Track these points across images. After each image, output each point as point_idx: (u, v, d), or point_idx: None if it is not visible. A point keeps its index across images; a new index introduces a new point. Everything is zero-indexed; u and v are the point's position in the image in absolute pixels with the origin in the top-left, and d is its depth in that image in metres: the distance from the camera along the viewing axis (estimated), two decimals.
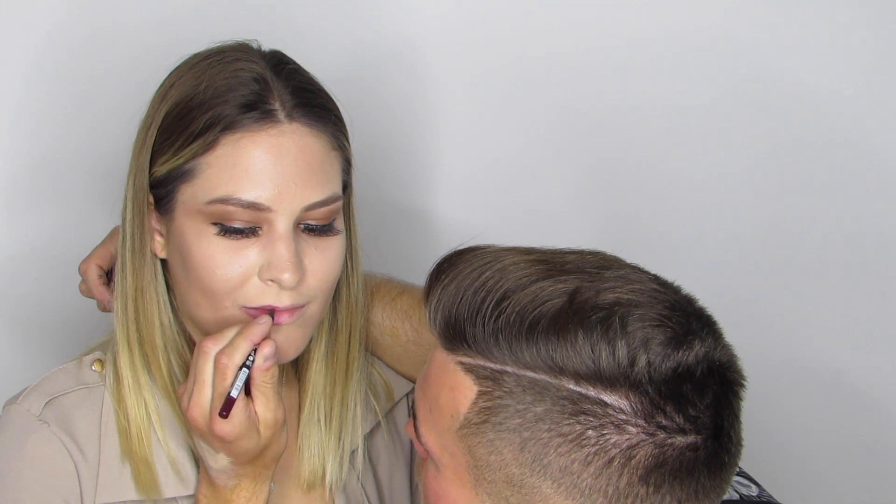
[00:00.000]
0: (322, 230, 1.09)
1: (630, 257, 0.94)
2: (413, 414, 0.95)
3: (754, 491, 1.09)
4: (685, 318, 0.87)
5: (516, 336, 0.85)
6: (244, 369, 1.04)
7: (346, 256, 1.14)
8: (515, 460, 0.86)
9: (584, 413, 0.84)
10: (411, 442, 1.30)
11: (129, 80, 1.32)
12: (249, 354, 1.05)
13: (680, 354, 0.84)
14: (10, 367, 1.47)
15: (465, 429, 0.88)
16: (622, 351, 0.84)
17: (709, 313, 0.90)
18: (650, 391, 0.83)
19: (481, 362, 0.87)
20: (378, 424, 1.24)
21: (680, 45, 1.53)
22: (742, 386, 0.90)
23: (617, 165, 1.58)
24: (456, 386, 0.88)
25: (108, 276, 1.24)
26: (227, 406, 1.04)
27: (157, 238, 1.12)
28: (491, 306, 0.86)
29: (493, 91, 1.53)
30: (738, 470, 1.10)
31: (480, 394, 0.87)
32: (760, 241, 1.59)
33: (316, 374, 1.18)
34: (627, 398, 0.84)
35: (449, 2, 1.51)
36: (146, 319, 1.12)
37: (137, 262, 1.12)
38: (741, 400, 0.89)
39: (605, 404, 0.84)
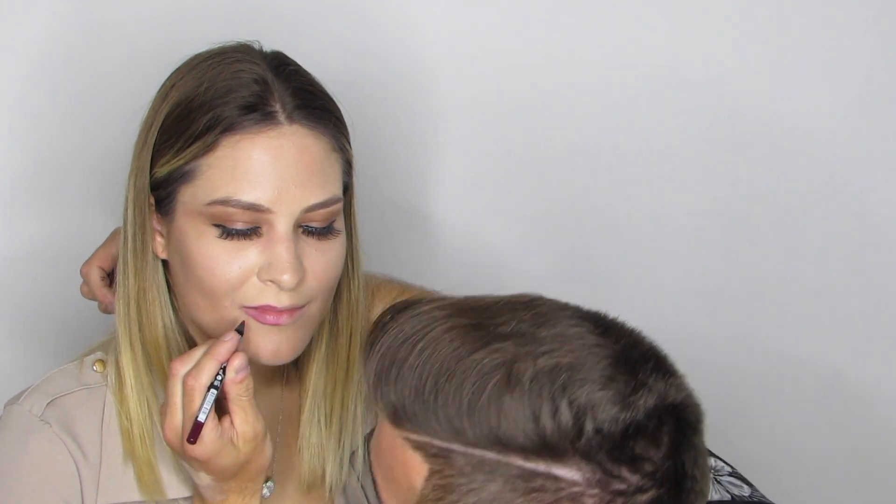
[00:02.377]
0: (322, 232, 1.09)
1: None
2: (372, 477, 0.91)
3: (746, 491, 1.08)
4: (631, 370, 0.82)
5: (456, 414, 0.81)
6: (212, 390, 1.03)
7: (346, 258, 1.14)
8: None
9: (536, 490, 0.80)
10: None
11: (128, 80, 1.32)
12: (217, 373, 1.04)
13: (629, 414, 0.80)
14: (10, 368, 1.47)
15: (423, 503, 0.84)
16: (567, 421, 0.79)
17: (656, 349, 0.86)
18: (601, 458, 0.80)
19: (428, 440, 0.83)
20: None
21: (659, 83, 1.53)
22: (700, 420, 0.86)
23: (616, 165, 1.59)
24: (407, 462, 0.84)
25: (109, 277, 1.24)
26: (195, 431, 1.03)
27: (158, 239, 1.12)
28: (428, 387, 0.82)
29: (494, 93, 1.53)
30: (730, 470, 1.10)
31: (432, 472, 0.83)
32: (760, 241, 1.59)
33: (316, 375, 1.18)
34: (579, 469, 0.80)
35: (451, 4, 1.51)
36: (149, 320, 1.12)
37: (139, 263, 1.12)
38: (702, 434, 0.86)
39: (558, 478, 0.80)
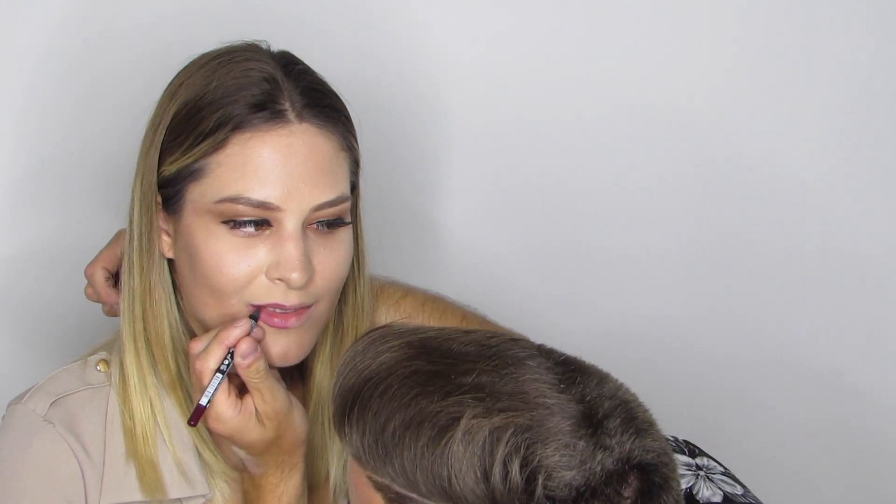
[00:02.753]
0: (331, 224, 1.09)
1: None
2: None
3: (739, 490, 1.08)
4: (592, 431, 0.80)
5: (411, 466, 0.80)
6: (218, 374, 1.04)
7: (352, 259, 1.14)
8: None
9: None
10: None
11: (134, 80, 1.32)
12: (225, 358, 1.05)
13: (584, 478, 0.79)
14: (13, 368, 1.46)
15: None
16: (517, 484, 0.78)
17: (628, 402, 0.84)
18: None
19: (387, 482, 0.83)
20: None
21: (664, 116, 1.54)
22: (672, 478, 0.83)
23: (614, 168, 1.59)
24: (370, 500, 0.85)
25: (114, 278, 1.23)
26: (196, 414, 1.04)
27: (165, 238, 1.11)
28: (386, 433, 0.82)
29: (501, 98, 1.54)
30: (722, 470, 1.10)
31: None
32: (760, 241, 1.60)
33: (321, 376, 1.18)
34: None
35: (462, 10, 1.51)
36: (154, 319, 1.12)
37: (146, 262, 1.11)
38: (674, 490, 0.83)
39: None
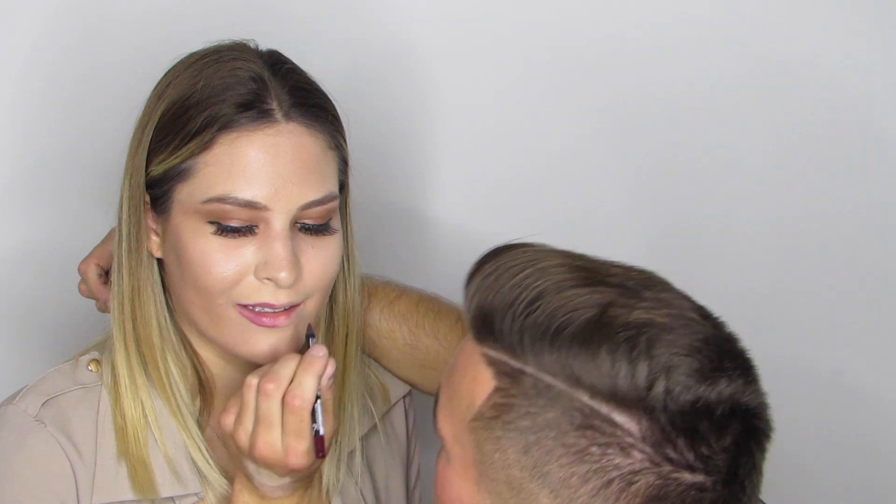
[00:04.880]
0: (318, 229, 1.09)
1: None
2: (435, 399, 0.94)
3: None
4: (717, 355, 0.84)
5: (541, 338, 0.83)
6: (318, 401, 1.04)
7: (342, 258, 1.14)
8: (518, 462, 0.85)
9: (591, 428, 0.82)
10: (407, 444, 1.30)
11: (124, 79, 1.32)
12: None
13: (702, 389, 0.82)
14: (5, 368, 1.46)
15: (476, 421, 0.87)
16: (642, 373, 0.81)
17: (748, 356, 0.87)
18: (663, 420, 0.81)
19: (504, 358, 0.85)
20: (374, 427, 1.24)
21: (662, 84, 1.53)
22: (768, 437, 0.87)
23: (612, 170, 1.59)
24: (476, 377, 0.87)
25: (108, 275, 1.24)
26: (321, 445, 1.04)
27: (153, 237, 1.12)
28: (523, 304, 0.85)
29: (491, 92, 1.54)
30: None
31: (497, 389, 0.86)
32: (760, 242, 1.59)
33: None
34: (639, 422, 0.81)
35: (450, 4, 1.51)
36: (143, 319, 1.12)
37: (134, 262, 1.12)
38: (765, 452, 0.87)
39: (615, 424, 0.81)
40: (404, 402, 1.29)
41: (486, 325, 0.86)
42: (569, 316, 0.83)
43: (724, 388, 0.82)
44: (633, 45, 1.53)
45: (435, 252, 1.58)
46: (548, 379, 0.83)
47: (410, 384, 1.28)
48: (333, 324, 1.19)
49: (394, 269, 1.31)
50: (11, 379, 1.22)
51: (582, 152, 1.56)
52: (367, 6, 1.49)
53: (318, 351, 1.04)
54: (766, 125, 1.55)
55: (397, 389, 1.27)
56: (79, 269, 1.26)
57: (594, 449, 0.82)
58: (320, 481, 1.17)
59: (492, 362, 0.86)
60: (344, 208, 1.14)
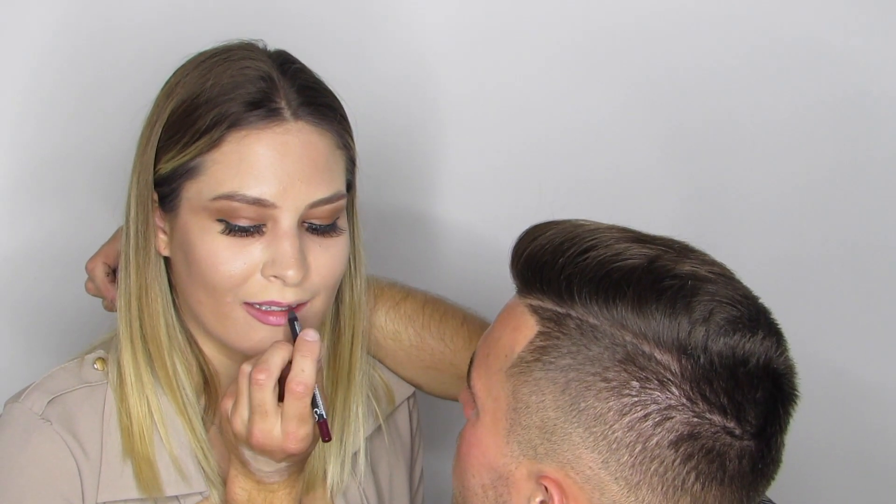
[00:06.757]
0: (326, 229, 1.09)
1: None
2: (470, 362, 0.97)
3: None
4: (755, 313, 0.88)
5: (589, 282, 0.87)
6: (315, 387, 1.05)
7: (349, 258, 1.14)
8: (554, 402, 0.88)
9: (633, 363, 0.85)
10: (411, 446, 1.30)
11: (133, 78, 1.33)
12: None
13: (739, 337, 0.86)
14: (11, 366, 1.47)
15: (515, 367, 0.90)
16: (685, 317, 0.85)
17: (780, 327, 0.91)
18: (702, 360, 0.85)
19: (549, 305, 0.89)
20: (378, 428, 1.24)
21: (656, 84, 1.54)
22: (794, 402, 0.90)
23: (612, 172, 1.59)
24: (519, 326, 0.91)
25: (115, 273, 1.24)
26: (326, 429, 1.05)
27: (161, 236, 1.12)
28: (574, 254, 0.89)
29: (497, 95, 1.54)
30: None
31: (539, 333, 0.89)
32: (760, 241, 1.59)
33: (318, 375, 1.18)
34: (679, 361, 0.85)
35: (456, 6, 1.52)
36: (150, 317, 1.12)
37: (142, 260, 1.12)
38: (790, 417, 0.90)
39: (656, 360, 0.85)
40: (409, 403, 1.29)
41: (533, 274, 0.90)
42: (617, 264, 0.87)
43: (759, 344, 0.86)
44: (633, 50, 1.54)
45: (440, 253, 1.58)
46: (592, 321, 0.87)
47: (415, 385, 1.28)
48: (339, 324, 1.19)
49: (399, 271, 1.31)
50: (17, 377, 1.22)
51: (592, 158, 1.57)
52: (375, 7, 1.50)
53: (312, 335, 1.05)
54: (789, 99, 1.56)
55: (402, 391, 1.27)
56: (86, 268, 1.26)
57: (634, 383, 0.85)
58: (324, 481, 1.18)
59: (535, 310, 0.90)
60: (351, 208, 1.15)
